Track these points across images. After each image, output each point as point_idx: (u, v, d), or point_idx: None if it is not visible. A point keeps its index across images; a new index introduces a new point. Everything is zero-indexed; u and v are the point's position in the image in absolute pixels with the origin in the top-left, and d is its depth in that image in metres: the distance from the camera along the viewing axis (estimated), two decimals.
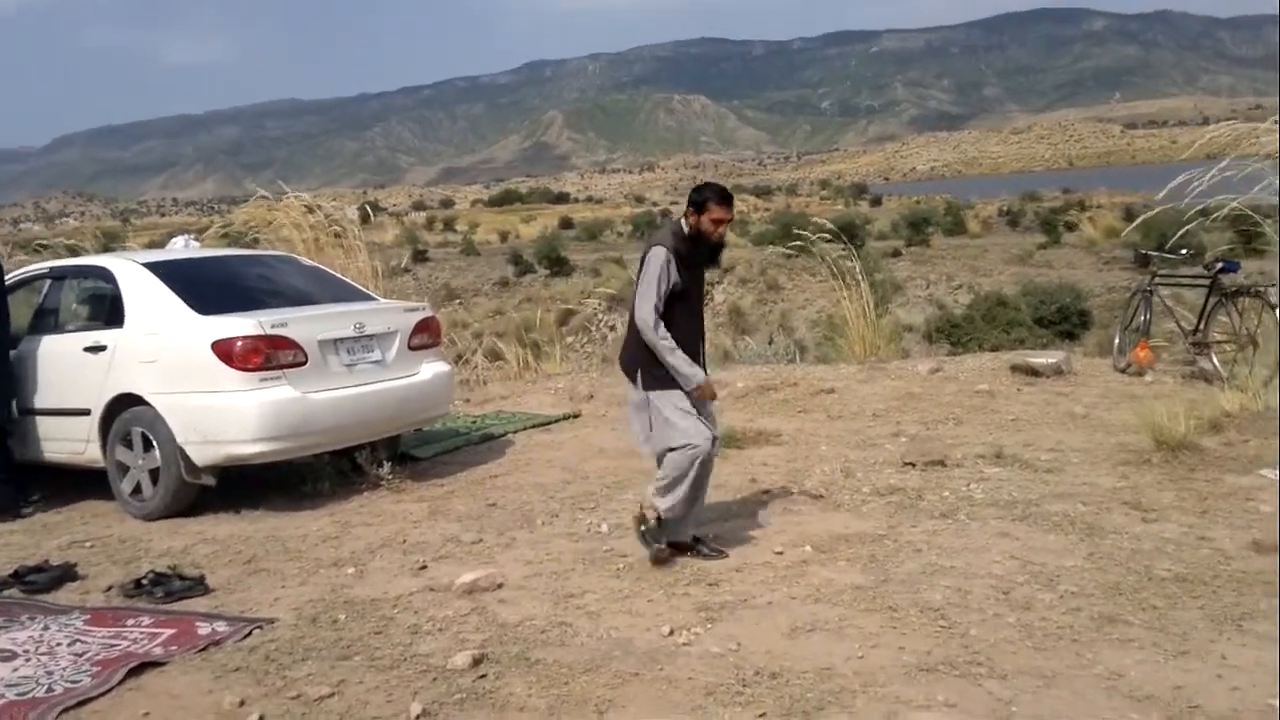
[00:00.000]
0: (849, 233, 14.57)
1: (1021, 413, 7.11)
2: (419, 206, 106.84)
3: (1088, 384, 8.01)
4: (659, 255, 4.37)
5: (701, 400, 4.50)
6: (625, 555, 4.65)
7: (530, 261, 34.16)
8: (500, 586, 4.31)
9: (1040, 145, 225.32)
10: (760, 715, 3.09)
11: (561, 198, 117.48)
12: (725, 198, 4.40)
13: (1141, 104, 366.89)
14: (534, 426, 7.88)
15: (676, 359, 4.39)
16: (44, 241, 14.97)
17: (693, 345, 4.49)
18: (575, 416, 8.21)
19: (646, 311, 4.36)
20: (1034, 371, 8.25)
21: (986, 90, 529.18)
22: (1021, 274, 22.77)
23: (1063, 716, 3.03)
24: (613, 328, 17.75)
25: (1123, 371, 8.37)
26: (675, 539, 4.56)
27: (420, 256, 36.95)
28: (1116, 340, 8.83)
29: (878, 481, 5.62)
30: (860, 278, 9.95)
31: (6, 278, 6.89)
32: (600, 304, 21.88)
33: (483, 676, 3.44)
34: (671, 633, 3.75)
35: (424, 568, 4.65)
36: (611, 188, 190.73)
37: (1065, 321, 15.68)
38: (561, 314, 22.09)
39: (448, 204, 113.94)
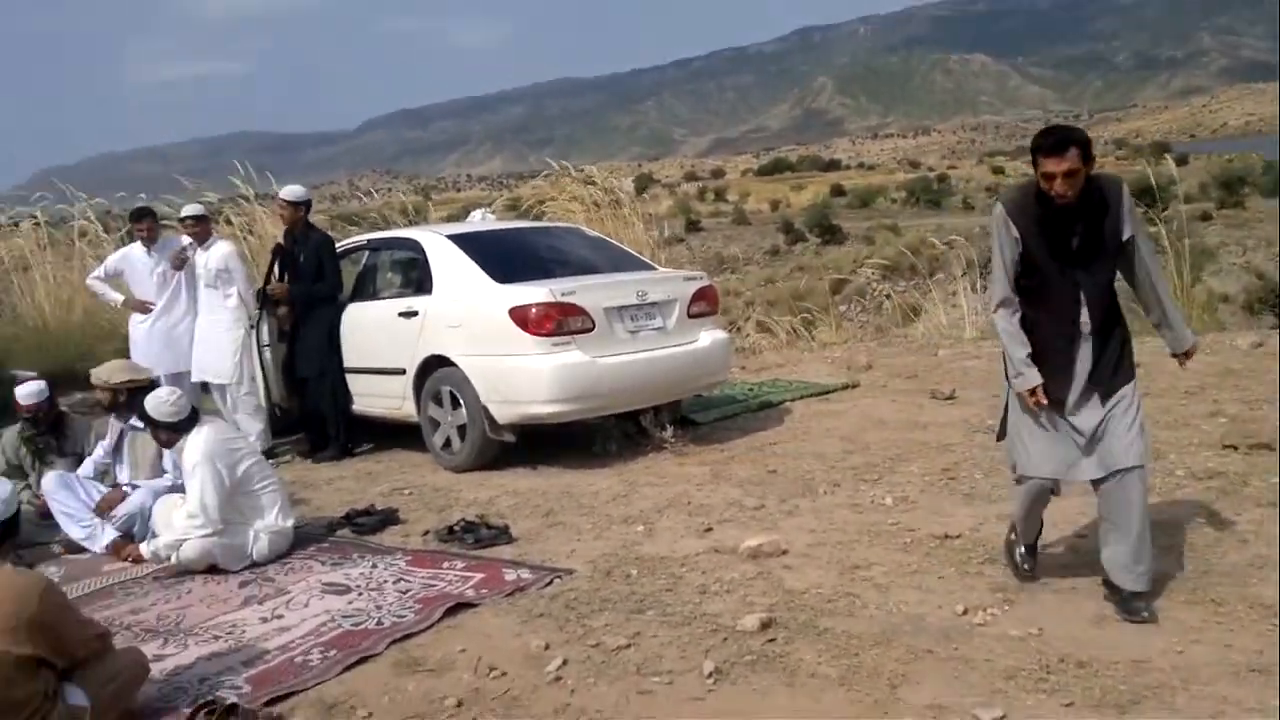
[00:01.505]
0: (1149, 196, 13.41)
1: None
2: (691, 177, 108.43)
3: None
4: (995, 215, 3.60)
5: (1049, 410, 3.53)
6: (913, 530, 4.54)
7: (801, 230, 33.93)
8: (785, 553, 4.33)
9: None
10: (1067, 704, 2.93)
11: (832, 165, 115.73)
12: (1054, 146, 3.35)
13: None
14: (812, 395, 7.84)
15: (1011, 347, 3.55)
16: (359, 216, 16.42)
17: (1055, 336, 3.52)
18: (854, 386, 8.08)
19: (992, 285, 3.64)
20: None
21: None
22: None
23: None
24: (888, 296, 17.26)
25: None
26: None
27: (693, 226, 37.60)
28: None
29: (1193, 465, 5.16)
30: (1180, 241, 9.13)
31: None
32: (874, 273, 21.37)
33: (771, 640, 3.47)
34: (965, 612, 3.62)
35: (709, 530, 4.74)
36: (884, 153, 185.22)
37: None
38: (834, 283, 21.78)
39: (719, 174, 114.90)
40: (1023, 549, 3.89)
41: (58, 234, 13.17)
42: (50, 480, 5.37)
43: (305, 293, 7.01)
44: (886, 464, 5.71)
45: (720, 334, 6.90)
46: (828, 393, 7.91)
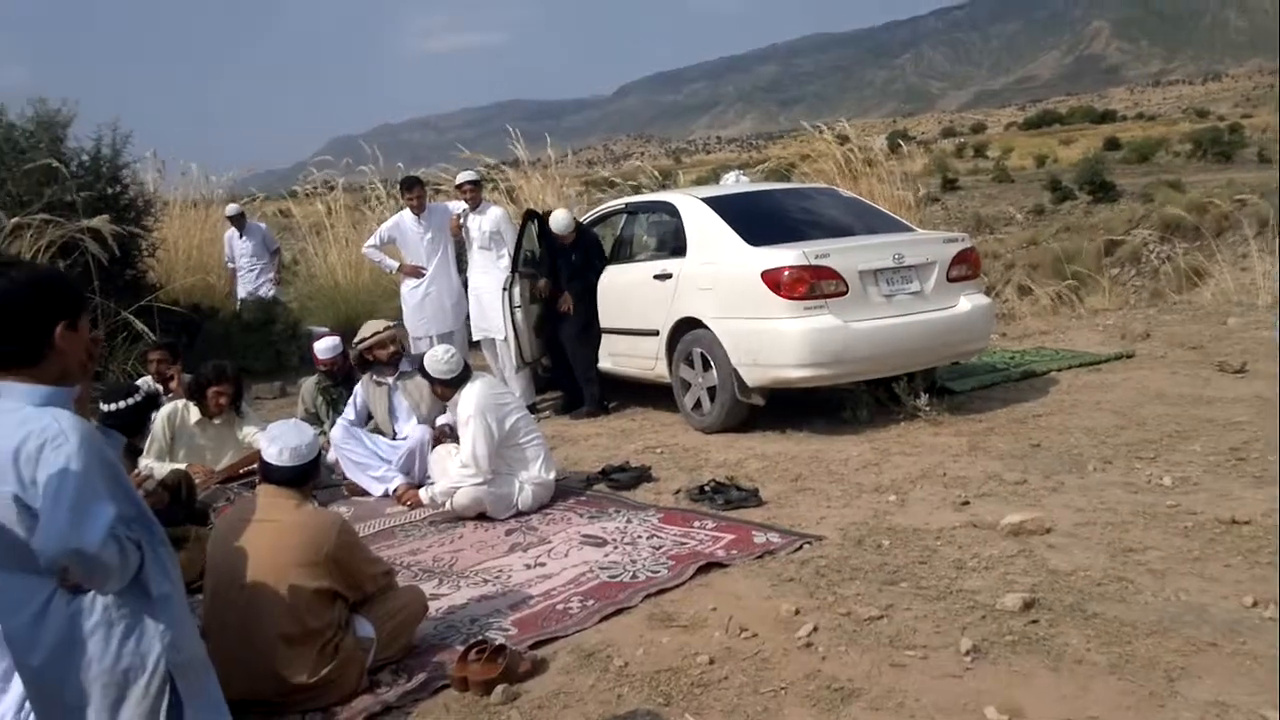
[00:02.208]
0: None
1: None
2: (948, 133, 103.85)
3: None
4: None
5: None
6: (1195, 513, 4.20)
7: (1069, 187, 31.78)
8: (1049, 531, 4.12)
9: None
10: None
11: (1107, 116, 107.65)
12: None
13: None
14: (1080, 365, 7.38)
15: None
16: (613, 180, 16.88)
17: None
18: (1128, 356, 7.54)
19: None
20: None
21: None
22: None
23: None
24: (1166, 259, 15.87)
25: None
26: None
27: (949, 185, 36.06)
28: None
29: None
30: None
31: (588, 215, 7.91)
32: (1152, 233, 19.69)
33: (1034, 622, 3.32)
34: (1255, 604, 3.32)
35: (966, 503, 4.58)
36: (1167, 102, 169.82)
37: None
38: (1105, 244, 20.25)
39: (979, 129, 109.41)
40: None
41: (347, 199, 14.36)
42: (338, 431, 5.87)
43: (580, 286, 7.26)
44: (1165, 441, 5.30)
45: (982, 299, 6.61)
46: (1098, 363, 7.42)
